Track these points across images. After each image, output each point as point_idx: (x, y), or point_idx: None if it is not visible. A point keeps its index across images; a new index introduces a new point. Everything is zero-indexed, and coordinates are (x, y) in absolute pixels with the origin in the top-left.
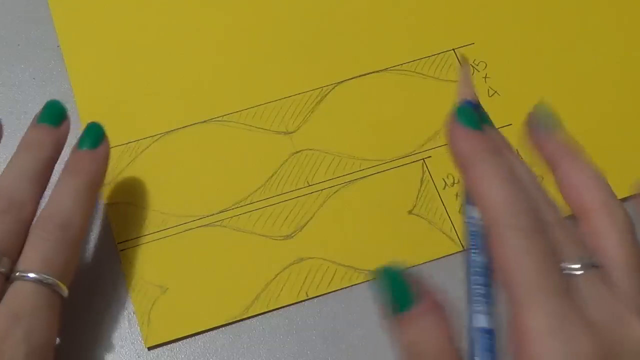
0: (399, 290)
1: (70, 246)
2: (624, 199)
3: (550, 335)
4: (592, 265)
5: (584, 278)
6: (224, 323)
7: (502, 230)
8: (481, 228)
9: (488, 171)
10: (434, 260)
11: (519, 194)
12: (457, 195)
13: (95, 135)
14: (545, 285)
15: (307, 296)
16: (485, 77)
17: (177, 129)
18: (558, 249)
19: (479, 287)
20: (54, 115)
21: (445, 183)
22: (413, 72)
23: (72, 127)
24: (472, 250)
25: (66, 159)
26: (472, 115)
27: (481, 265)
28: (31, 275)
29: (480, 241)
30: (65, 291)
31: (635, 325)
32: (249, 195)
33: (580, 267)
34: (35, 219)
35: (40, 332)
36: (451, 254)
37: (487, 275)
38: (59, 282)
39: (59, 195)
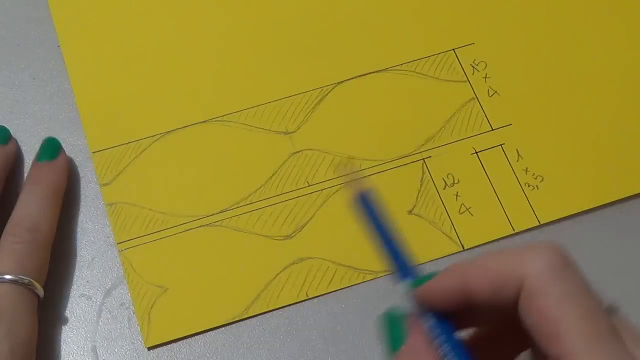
0: (392, 333)
1: (41, 248)
2: (626, 199)
3: None
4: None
5: (620, 320)
6: (224, 323)
7: (542, 281)
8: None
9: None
10: (434, 260)
11: None
12: (457, 195)
13: (52, 148)
14: (595, 331)
15: (307, 296)
16: (485, 77)
17: (177, 129)
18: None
19: (447, 344)
20: (2, 136)
21: (445, 183)
22: (413, 72)
23: (72, 127)
24: (429, 319)
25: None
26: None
27: (440, 325)
28: (7, 276)
29: (426, 308)
30: (40, 290)
31: None
32: (249, 195)
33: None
34: (5, 228)
35: (22, 329)
36: (451, 254)
37: (449, 331)
38: (34, 282)
39: (24, 203)
